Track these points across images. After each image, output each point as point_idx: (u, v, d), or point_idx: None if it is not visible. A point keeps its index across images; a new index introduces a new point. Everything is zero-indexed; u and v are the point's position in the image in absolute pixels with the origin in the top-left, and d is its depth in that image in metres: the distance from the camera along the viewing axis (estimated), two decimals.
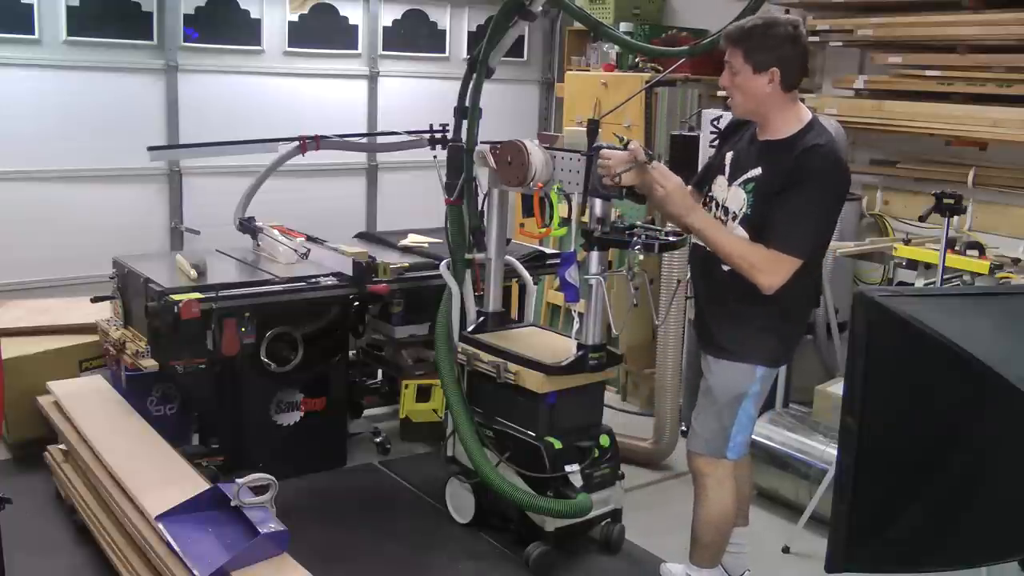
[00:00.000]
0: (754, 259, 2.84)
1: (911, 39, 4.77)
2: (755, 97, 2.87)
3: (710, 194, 3.07)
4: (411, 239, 4.70)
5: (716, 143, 3.30)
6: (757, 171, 2.91)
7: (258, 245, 4.50)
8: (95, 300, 4.21)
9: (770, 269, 2.82)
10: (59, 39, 5.17)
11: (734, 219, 2.96)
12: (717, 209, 3.03)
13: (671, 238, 3.25)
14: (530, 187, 3.51)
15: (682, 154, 4.51)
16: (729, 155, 3.04)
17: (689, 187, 3.11)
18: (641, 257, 3.31)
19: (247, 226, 4.53)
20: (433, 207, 3.99)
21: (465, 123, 3.66)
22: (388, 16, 6.29)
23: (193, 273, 3.96)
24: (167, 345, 3.78)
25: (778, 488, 4.07)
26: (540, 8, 3.59)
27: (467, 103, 3.68)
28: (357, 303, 4.19)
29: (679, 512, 3.64)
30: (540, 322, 5.06)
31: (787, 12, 5.37)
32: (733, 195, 2.97)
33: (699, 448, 3.14)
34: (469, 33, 6.60)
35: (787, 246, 2.81)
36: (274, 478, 2.98)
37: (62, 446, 3.83)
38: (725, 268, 2.96)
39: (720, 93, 5.21)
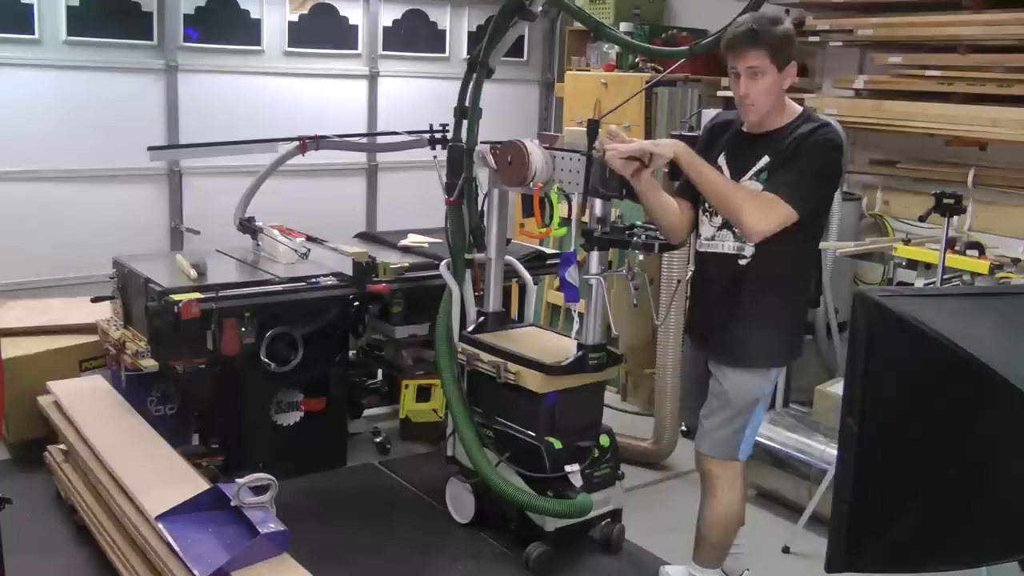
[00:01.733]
0: (746, 196, 2.82)
1: (911, 39, 4.77)
2: (775, 96, 2.87)
3: None
4: (411, 239, 4.69)
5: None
6: (765, 159, 2.91)
7: (258, 245, 4.50)
8: (95, 300, 4.22)
9: (761, 209, 2.79)
10: (59, 39, 5.16)
11: None
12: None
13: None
14: (530, 187, 3.51)
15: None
16: (722, 157, 3.02)
17: (677, 197, 3.12)
18: (641, 257, 3.30)
19: (247, 226, 4.53)
20: (433, 207, 3.99)
21: (465, 123, 3.66)
22: (388, 16, 6.29)
23: (193, 273, 3.96)
24: (167, 345, 3.78)
25: (778, 488, 4.07)
26: (540, 8, 3.58)
27: (467, 103, 3.68)
28: (357, 303, 4.18)
29: (679, 512, 3.64)
30: (540, 322, 5.06)
31: (787, 12, 5.38)
32: (747, 188, 2.97)
33: (710, 450, 3.12)
34: (469, 33, 6.60)
35: (784, 194, 2.80)
36: (274, 478, 2.98)
37: (62, 446, 3.83)
38: (741, 262, 2.96)
39: (720, 93, 5.26)
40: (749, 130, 2.98)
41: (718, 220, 3.01)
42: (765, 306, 2.97)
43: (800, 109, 2.96)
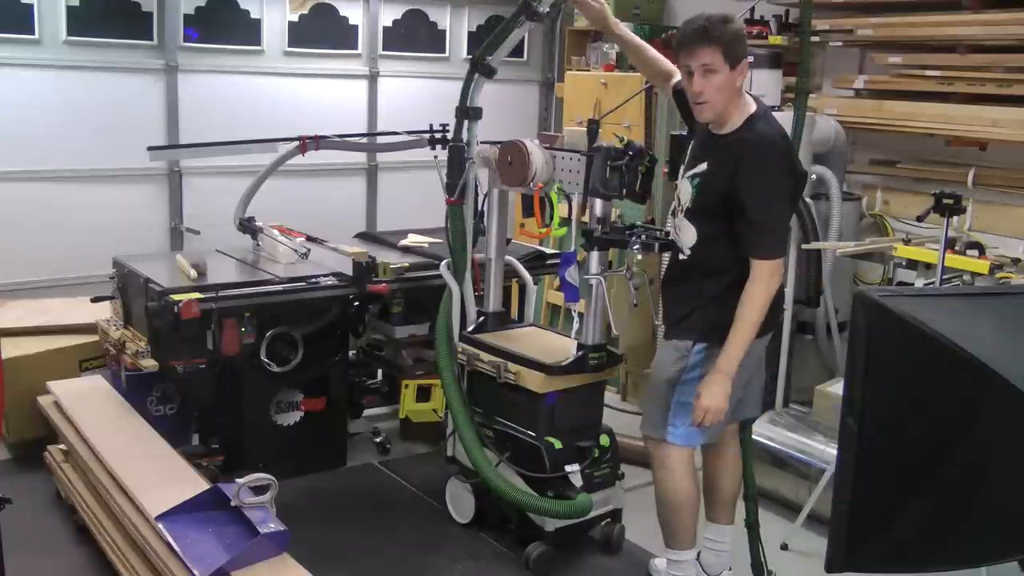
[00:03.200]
0: (762, 293, 2.88)
1: (911, 39, 4.77)
2: (729, 95, 2.91)
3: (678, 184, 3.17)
4: (411, 239, 4.69)
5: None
6: (704, 166, 2.99)
7: (258, 245, 4.50)
8: (95, 300, 4.22)
9: (768, 281, 2.88)
10: (59, 39, 5.17)
11: (681, 211, 3.06)
12: (675, 201, 3.14)
13: (671, 238, 3.26)
14: (530, 187, 3.51)
15: (682, 154, 4.51)
16: (691, 145, 3.12)
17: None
18: (640, 257, 3.32)
19: (247, 226, 4.53)
20: (433, 207, 3.99)
21: (466, 124, 3.64)
22: (388, 16, 6.29)
23: (193, 273, 3.96)
24: (167, 345, 3.77)
25: (778, 488, 4.07)
26: (547, 10, 3.57)
27: (468, 103, 3.67)
28: (357, 303, 4.18)
29: None
30: (540, 322, 5.06)
31: (786, 12, 5.39)
32: (683, 187, 3.08)
33: (643, 427, 3.24)
34: (469, 33, 6.60)
35: (768, 255, 2.89)
36: (274, 478, 2.98)
37: (62, 446, 3.83)
38: (681, 257, 3.10)
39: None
40: (710, 127, 3.02)
41: (673, 222, 3.14)
42: (697, 287, 3.07)
43: (752, 110, 2.95)
